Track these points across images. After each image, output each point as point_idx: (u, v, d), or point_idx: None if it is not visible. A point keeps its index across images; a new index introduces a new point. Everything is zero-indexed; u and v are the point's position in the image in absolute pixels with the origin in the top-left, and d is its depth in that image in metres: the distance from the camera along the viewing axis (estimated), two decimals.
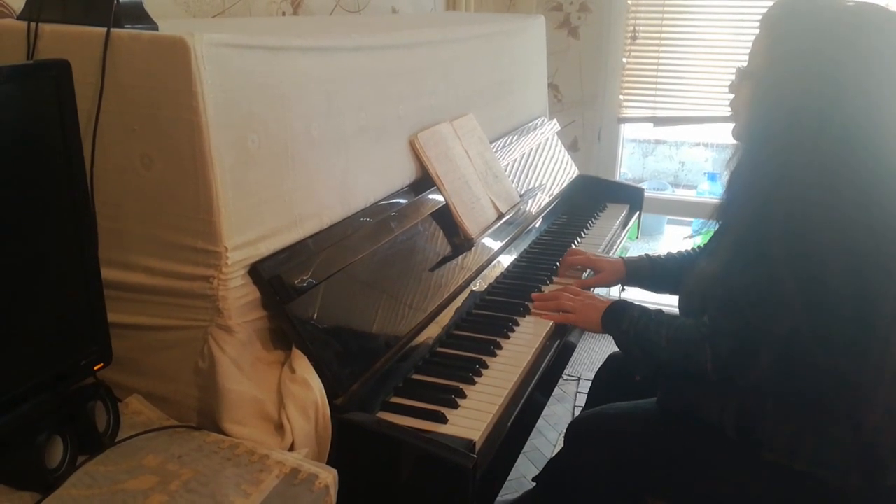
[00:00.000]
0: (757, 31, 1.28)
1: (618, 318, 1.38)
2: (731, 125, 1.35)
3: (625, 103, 3.13)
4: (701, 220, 1.56)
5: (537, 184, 2.17)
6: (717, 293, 1.24)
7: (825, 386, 1.16)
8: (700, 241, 1.76)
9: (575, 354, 2.91)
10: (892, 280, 1.12)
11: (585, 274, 1.78)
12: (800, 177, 1.14)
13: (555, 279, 1.77)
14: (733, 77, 1.34)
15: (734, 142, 1.35)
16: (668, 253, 1.72)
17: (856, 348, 1.13)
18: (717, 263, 1.26)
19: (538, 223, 2.07)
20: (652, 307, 1.39)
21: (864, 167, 1.13)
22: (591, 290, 1.76)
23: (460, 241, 1.62)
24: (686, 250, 1.71)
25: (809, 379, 1.16)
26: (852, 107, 1.13)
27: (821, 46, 1.16)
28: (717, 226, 1.39)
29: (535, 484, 1.88)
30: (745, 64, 1.30)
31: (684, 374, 1.30)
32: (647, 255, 1.74)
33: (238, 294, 1.07)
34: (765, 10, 1.27)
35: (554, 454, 2.31)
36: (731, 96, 1.35)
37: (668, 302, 1.91)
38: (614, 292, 2.23)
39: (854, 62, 1.14)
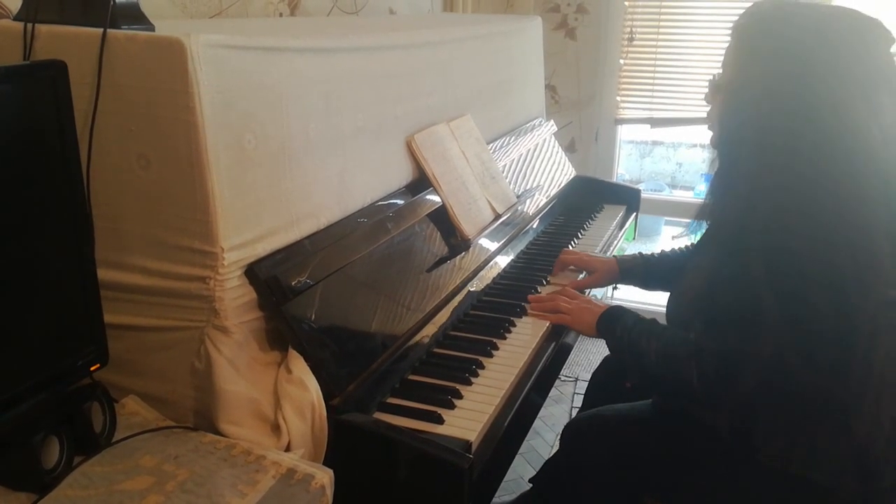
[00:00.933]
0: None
1: (613, 324, 1.39)
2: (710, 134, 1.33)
3: (622, 104, 3.14)
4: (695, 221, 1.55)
5: (534, 185, 2.17)
6: (702, 308, 1.22)
7: (813, 401, 1.15)
8: (695, 238, 1.76)
9: (572, 356, 2.91)
10: (871, 295, 1.10)
11: (581, 275, 1.78)
12: (775, 183, 1.13)
13: (549, 279, 1.77)
14: (707, 87, 1.32)
15: None
16: (662, 251, 1.72)
17: (838, 367, 1.12)
18: (702, 277, 1.25)
19: (535, 224, 2.08)
20: (647, 309, 1.38)
21: (838, 182, 1.11)
22: (587, 291, 1.76)
23: (457, 242, 1.62)
24: (680, 248, 1.71)
25: (797, 394, 1.15)
26: (823, 123, 1.11)
27: (790, 51, 1.14)
28: (705, 226, 1.38)
29: (531, 485, 1.89)
30: (718, 73, 1.28)
31: (673, 388, 1.30)
32: (640, 253, 1.75)
33: (234, 295, 1.07)
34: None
35: (551, 455, 2.31)
36: (703, 100, 1.34)
37: (664, 301, 1.90)
38: (606, 291, 2.23)
39: (824, 67, 1.12)
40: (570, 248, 2.01)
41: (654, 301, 2.58)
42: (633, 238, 2.53)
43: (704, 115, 1.35)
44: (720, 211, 1.23)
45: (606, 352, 1.60)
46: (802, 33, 1.14)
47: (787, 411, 1.18)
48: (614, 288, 1.96)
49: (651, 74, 3.06)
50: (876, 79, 1.12)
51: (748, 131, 1.17)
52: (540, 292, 1.69)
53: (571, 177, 2.49)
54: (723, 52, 1.26)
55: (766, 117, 1.15)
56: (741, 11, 1.24)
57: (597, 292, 1.84)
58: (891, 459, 1.17)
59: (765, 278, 1.11)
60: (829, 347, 1.11)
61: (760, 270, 1.11)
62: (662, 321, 1.35)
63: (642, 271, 1.70)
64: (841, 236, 1.10)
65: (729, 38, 1.25)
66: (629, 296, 3.07)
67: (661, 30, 3.00)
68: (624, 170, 5.06)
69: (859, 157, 1.11)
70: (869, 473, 1.17)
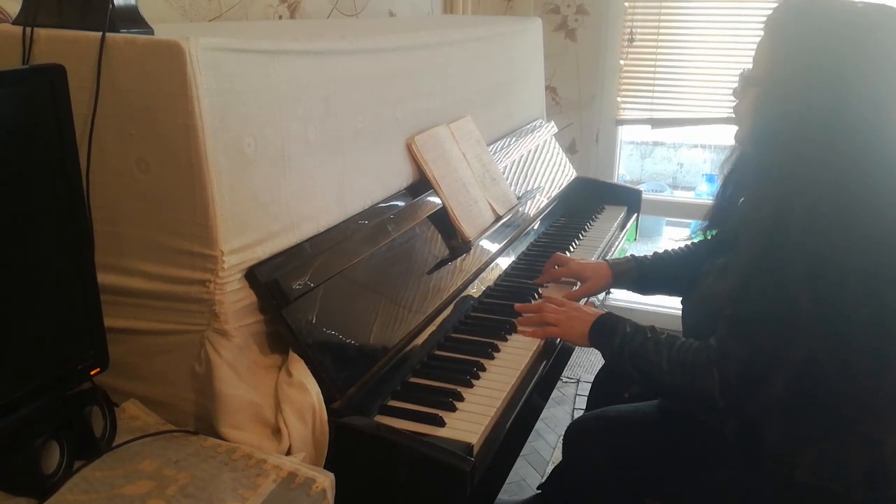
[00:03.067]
0: (758, 34, 1.24)
1: (608, 333, 1.33)
2: (734, 129, 1.31)
3: (622, 105, 3.14)
4: (698, 222, 1.54)
5: (535, 186, 2.17)
6: (728, 313, 1.18)
7: (844, 409, 1.13)
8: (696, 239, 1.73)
9: (574, 357, 2.90)
10: None
11: (575, 287, 1.73)
12: (811, 183, 1.10)
13: (541, 292, 1.74)
14: (737, 82, 1.29)
15: (731, 143, 1.34)
16: (655, 253, 1.69)
17: (873, 376, 1.10)
18: (729, 283, 1.20)
19: (536, 225, 2.07)
20: (645, 310, 1.37)
21: (875, 172, 1.09)
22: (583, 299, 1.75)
23: (458, 244, 1.62)
24: (675, 250, 1.67)
25: (827, 402, 1.13)
26: (861, 104, 1.09)
27: (828, 45, 1.12)
28: (709, 225, 1.36)
29: (538, 491, 1.88)
30: (748, 68, 1.26)
31: (689, 399, 1.27)
32: (632, 255, 1.71)
33: (235, 298, 1.07)
34: (760, 12, 1.24)
35: (553, 457, 2.31)
36: (733, 100, 1.31)
37: (657, 302, 1.88)
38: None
39: (862, 61, 1.10)
40: (572, 249, 2.01)
41: (651, 302, 2.58)
42: (635, 239, 2.53)
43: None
44: (751, 210, 1.20)
45: None
46: (839, 28, 1.13)
47: (809, 418, 1.15)
48: (607, 293, 1.92)
49: (651, 75, 3.05)
50: None
51: (783, 126, 1.14)
52: (540, 294, 1.68)
53: (572, 178, 2.48)
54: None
55: (802, 112, 1.13)
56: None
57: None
58: None
59: (801, 281, 1.08)
60: (863, 356, 1.09)
61: (797, 272, 1.08)
62: (661, 325, 1.33)
63: (636, 275, 1.66)
64: (879, 241, 1.08)
65: (762, 32, 1.23)
66: (626, 296, 3.07)
67: (662, 30, 3.00)
68: (625, 170, 5.05)
69: (893, 150, 1.10)
70: (878, 481, 1.16)
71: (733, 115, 1.31)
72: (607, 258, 1.90)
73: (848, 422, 1.14)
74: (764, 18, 1.25)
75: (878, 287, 1.08)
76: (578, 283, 1.72)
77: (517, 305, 1.55)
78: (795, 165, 1.12)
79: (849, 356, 1.09)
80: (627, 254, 1.75)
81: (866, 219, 1.09)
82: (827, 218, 1.09)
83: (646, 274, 1.66)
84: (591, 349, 1.40)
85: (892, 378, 1.10)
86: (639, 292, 1.71)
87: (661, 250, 1.70)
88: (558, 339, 1.49)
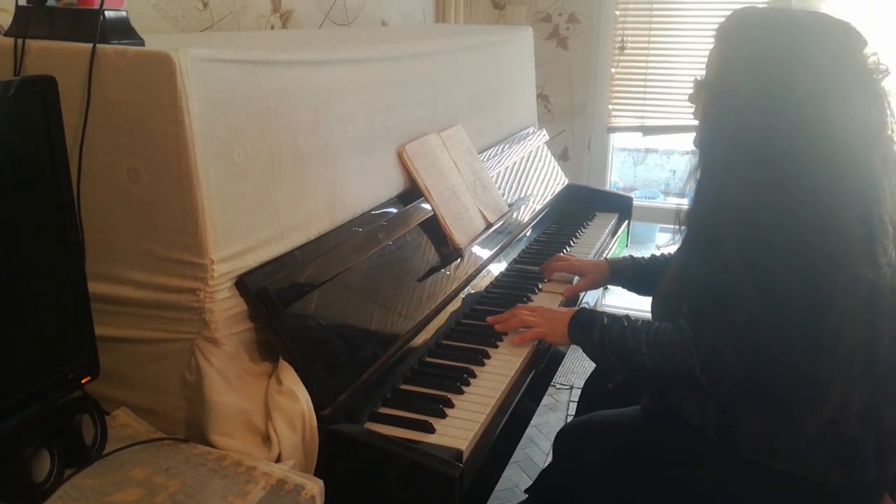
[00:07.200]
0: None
1: (586, 327, 1.36)
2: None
3: (614, 113, 3.16)
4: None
5: (527, 193, 2.18)
6: (686, 292, 1.25)
7: (787, 379, 1.18)
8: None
9: (567, 363, 2.92)
10: (840, 272, 1.14)
11: (574, 280, 1.79)
12: (748, 172, 1.18)
13: (542, 286, 1.77)
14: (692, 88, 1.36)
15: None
16: (653, 255, 1.74)
17: (809, 340, 1.15)
18: (679, 262, 1.30)
19: (528, 232, 2.09)
20: (640, 315, 1.39)
21: (810, 165, 1.16)
22: (581, 295, 1.78)
23: (449, 251, 1.63)
24: (670, 254, 1.71)
25: (773, 372, 1.18)
26: (799, 105, 1.17)
27: (770, 50, 1.20)
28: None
29: (526, 496, 1.88)
30: (702, 74, 1.33)
31: (671, 380, 1.30)
32: (630, 255, 1.78)
33: (225, 306, 1.07)
34: None
35: (546, 464, 2.31)
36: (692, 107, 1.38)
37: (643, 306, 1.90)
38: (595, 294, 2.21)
39: (800, 64, 1.18)
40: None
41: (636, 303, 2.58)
42: (626, 245, 2.54)
43: (695, 122, 1.37)
44: (696, 197, 1.27)
45: None
46: (781, 34, 1.21)
47: (768, 397, 1.20)
48: (605, 289, 1.97)
49: (642, 83, 3.08)
50: (848, 76, 1.18)
51: (727, 123, 1.23)
52: (532, 300, 1.70)
53: (564, 185, 2.50)
54: None
55: (743, 109, 1.21)
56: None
57: (589, 298, 1.85)
58: (872, 451, 1.19)
59: (736, 250, 1.16)
60: (800, 320, 1.15)
61: (732, 243, 1.16)
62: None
63: (632, 272, 1.72)
64: (811, 215, 1.15)
65: (713, 42, 1.30)
66: (622, 302, 3.08)
67: (652, 38, 3.02)
68: (618, 177, 5.07)
69: (832, 145, 1.16)
70: (853, 466, 1.19)
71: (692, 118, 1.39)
72: (606, 257, 1.94)
73: (794, 394, 1.18)
74: None
75: (809, 256, 1.14)
76: (576, 279, 1.79)
77: (489, 318, 1.53)
78: (736, 151, 1.20)
79: (786, 324, 1.15)
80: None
81: (800, 195, 1.15)
82: (761, 194, 1.17)
83: (641, 272, 1.71)
84: (585, 356, 1.41)
85: (826, 343, 1.15)
86: (634, 291, 1.76)
87: (658, 253, 1.75)
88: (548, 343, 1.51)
